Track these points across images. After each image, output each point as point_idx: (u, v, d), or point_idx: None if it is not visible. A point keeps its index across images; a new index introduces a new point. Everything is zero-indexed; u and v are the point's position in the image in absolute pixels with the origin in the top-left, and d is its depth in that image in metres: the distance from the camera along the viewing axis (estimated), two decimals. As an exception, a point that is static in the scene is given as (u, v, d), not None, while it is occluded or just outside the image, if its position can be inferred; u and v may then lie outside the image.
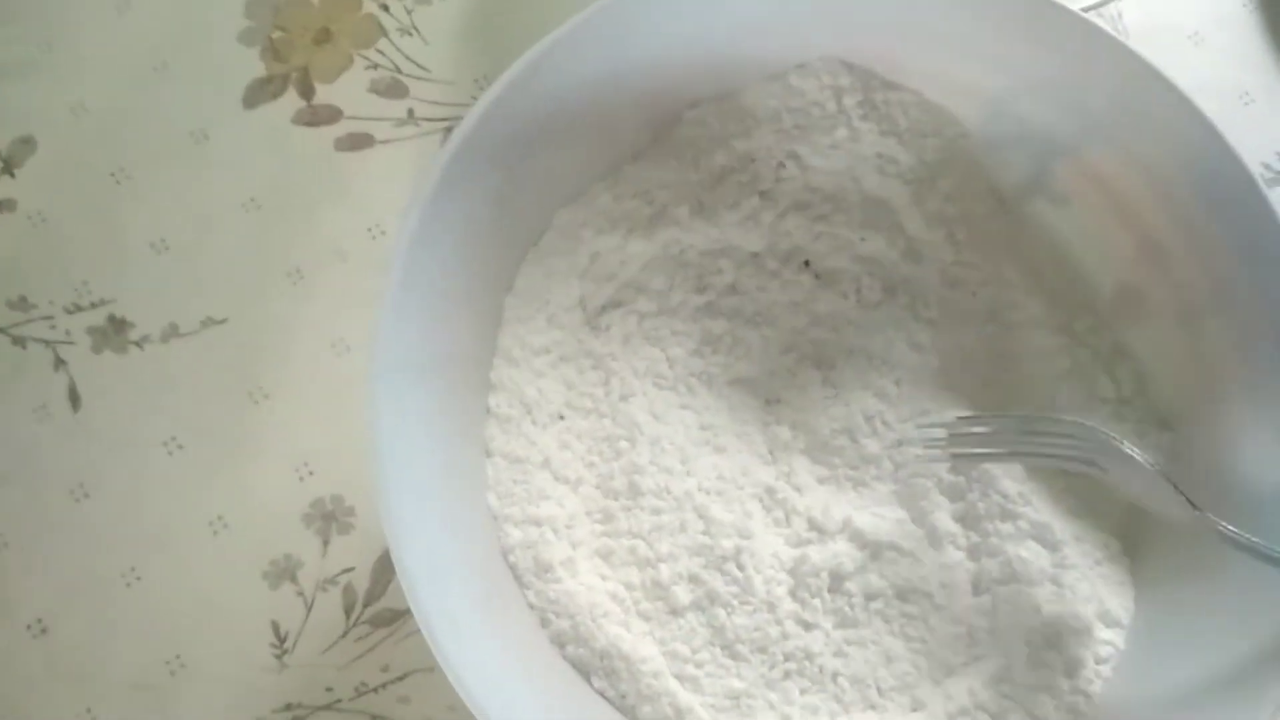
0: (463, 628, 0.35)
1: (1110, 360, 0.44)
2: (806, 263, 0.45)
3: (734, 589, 0.41)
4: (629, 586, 0.41)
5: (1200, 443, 0.42)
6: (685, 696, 0.39)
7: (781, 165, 0.44)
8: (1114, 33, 0.50)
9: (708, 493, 0.42)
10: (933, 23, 0.41)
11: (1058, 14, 0.40)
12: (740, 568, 0.41)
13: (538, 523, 0.40)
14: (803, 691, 0.40)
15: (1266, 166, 0.53)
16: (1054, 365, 0.44)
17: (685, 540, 0.41)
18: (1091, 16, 0.41)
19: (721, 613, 0.40)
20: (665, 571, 0.41)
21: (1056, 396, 0.44)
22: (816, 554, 0.41)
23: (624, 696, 0.38)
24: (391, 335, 0.36)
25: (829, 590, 0.41)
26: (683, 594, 0.40)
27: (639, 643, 0.39)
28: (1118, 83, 0.40)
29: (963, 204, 0.45)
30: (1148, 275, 0.43)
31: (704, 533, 0.41)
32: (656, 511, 0.42)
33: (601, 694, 0.39)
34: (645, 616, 0.40)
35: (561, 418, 0.43)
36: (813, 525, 0.42)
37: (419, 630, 0.44)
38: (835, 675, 0.40)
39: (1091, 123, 0.42)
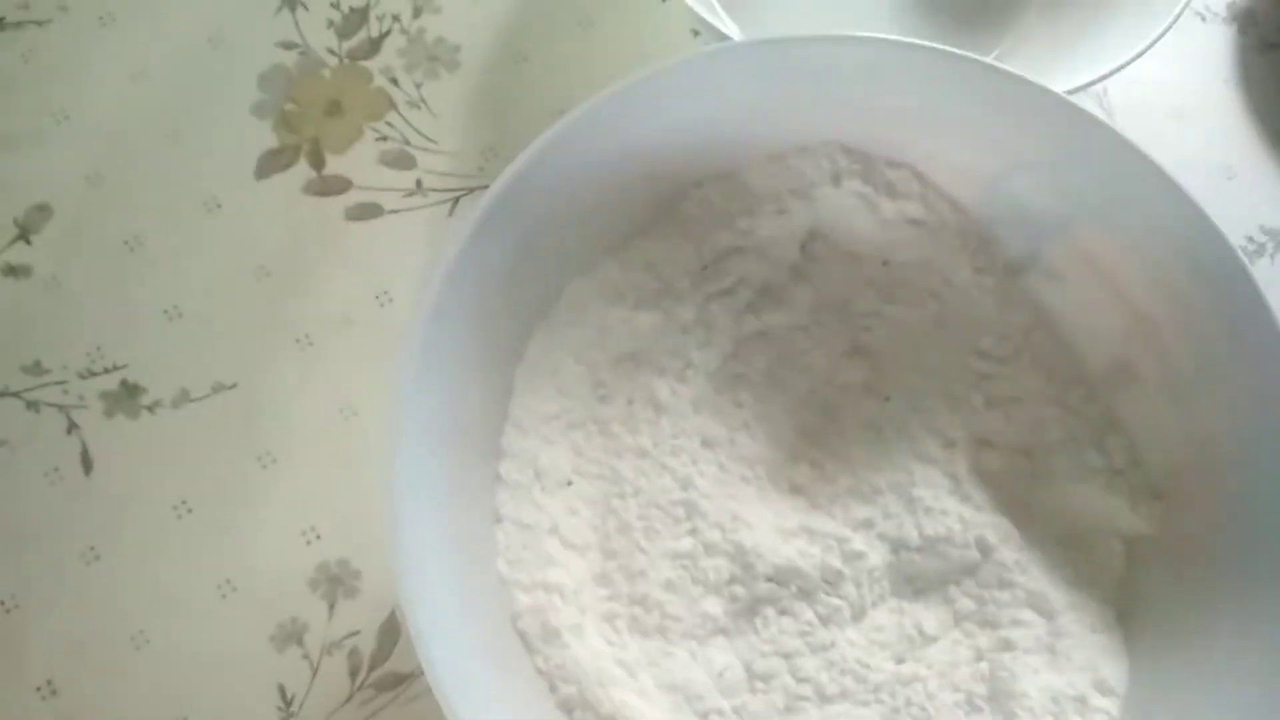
0: (473, 690, 0.35)
1: (1102, 431, 0.45)
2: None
3: None
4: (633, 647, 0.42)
5: (1193, 512, 0.43)
6: None
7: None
8: (1100, 111, 0.52)
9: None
10: (929, 107, 0.43)
11: (1045, 97, 0.41)
12: None
13: (546, 588, 0.41)
14: None
15: (1250, 240, 0.55)
16: (1048, 436, 0.46)
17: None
18: (1079, 97, 0.43)
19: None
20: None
21: (1052, 466, 0.45)
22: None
23: None
24: (410, 405, 0.37)
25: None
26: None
27: (647, 709, 0.39)
28: (1104, 162, 0.41)
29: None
30: (1138, 349, 0.44)
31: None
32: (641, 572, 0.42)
33: None
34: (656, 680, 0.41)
35: (569, 483, 0.44)
36: None
37: (425, 694, 0.45)
38: None
39: (1081, 201, 0.43)
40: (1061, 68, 0.50)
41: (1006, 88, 0.41)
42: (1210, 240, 0.40)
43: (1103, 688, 0.41)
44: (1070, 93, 0.46)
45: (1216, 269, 0.40)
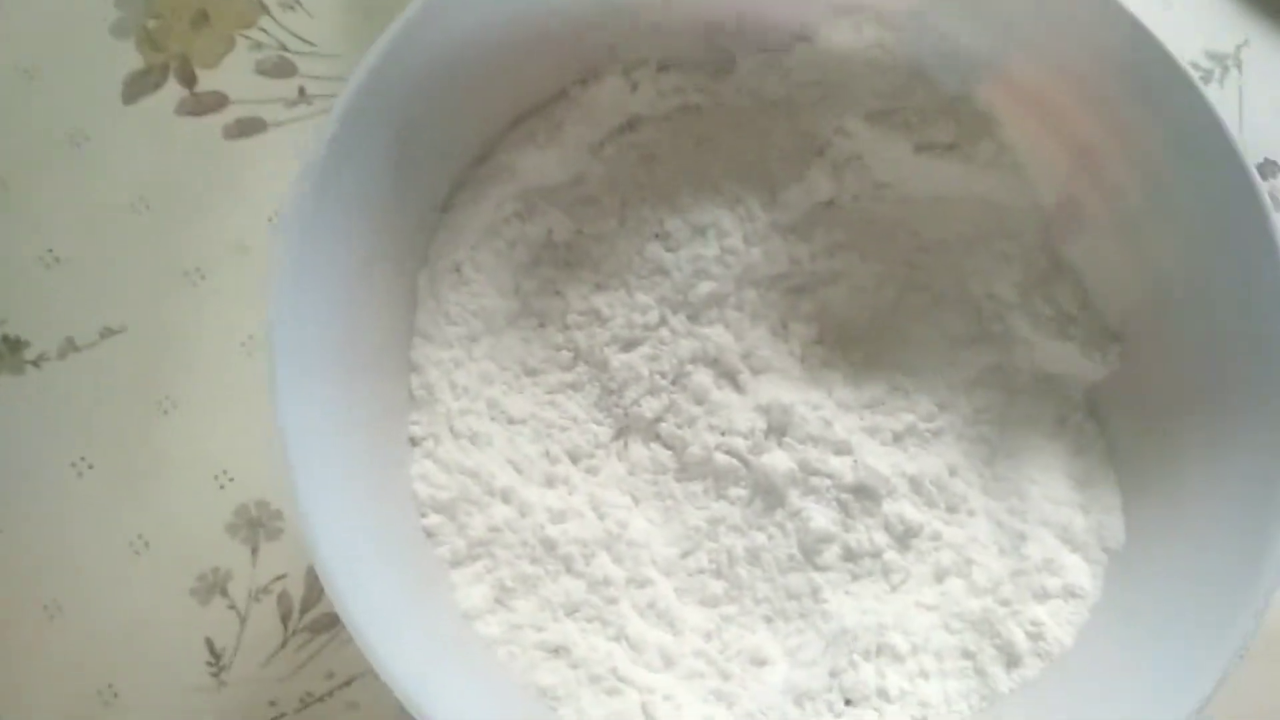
0: (394, 626, 0.33)
1: (1049, 278, 0.42)
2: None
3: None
4: None
5: (1150, 350, 0.40)
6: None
7: None
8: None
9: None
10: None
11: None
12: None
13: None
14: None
15: (1195, 65, 0.52)
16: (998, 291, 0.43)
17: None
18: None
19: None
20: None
21: (1008, 319, 0.43)
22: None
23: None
24: (285, 325, 0.33)
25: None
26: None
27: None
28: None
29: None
30: (1084, 185, 0.41)
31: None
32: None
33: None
34: None
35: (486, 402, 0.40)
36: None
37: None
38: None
39: (1010, 31, 0.40)
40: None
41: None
42: (1152, 56, 0.37)
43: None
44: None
45: (1161, 87, 0.37)
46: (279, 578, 0.43)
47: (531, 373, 0.41)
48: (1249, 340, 0.36)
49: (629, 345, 0.41)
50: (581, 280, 0.42)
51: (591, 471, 0.41)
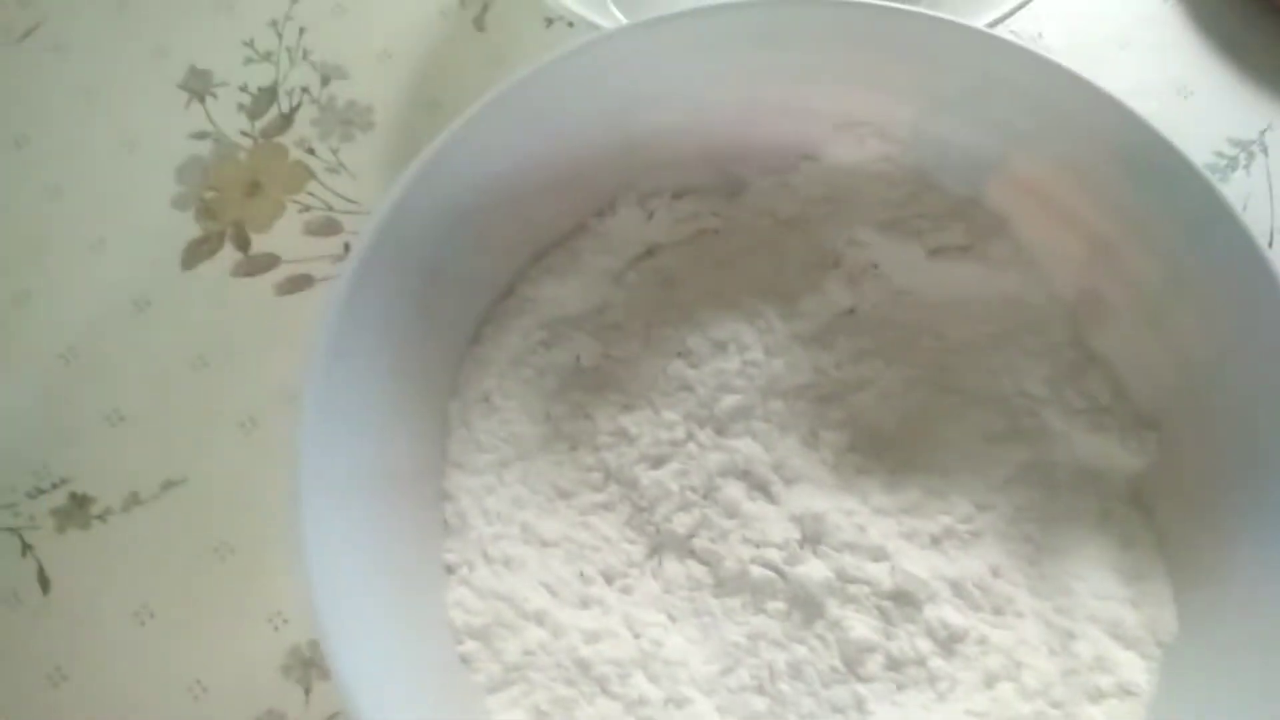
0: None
1: (1080, 370, 0.42)
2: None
3: None
4: None
5: (1188, 435, 0.40)
6: None
7: None
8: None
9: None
10: (835, 62, 0.41)
11: (953, 30, 0.39)
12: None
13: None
14: None
15: (1219, 154, 0.52)
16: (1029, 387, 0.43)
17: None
18: (1003, 31, 0.41)
19: None
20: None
21: (1041, 413, 0.42)
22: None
23: None
24: (313, 461, 0.34)
25: None
26: None
27: None
28: (1028, 87, 0.39)
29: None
30: (1101, 275, 0.41)
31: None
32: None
33: None
34: None
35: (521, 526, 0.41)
36: None
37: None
38: None
39: (1011, 132, 0.41)
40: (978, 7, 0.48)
41: (909, 26, 0.39)
42: (1153, 147, 0.38)
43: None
44: (991, 24, 0.44)
45: (1163, 174, 0.38)
46: (332, 716, 0.44)
47: (564, 495, 0.42)
48: (1280, 417, 0.35)
49: (658, 462, 0.42)
50: (610, 402, 0.43)
51: (626, 591, 0.41)
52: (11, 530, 0.47)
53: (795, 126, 0.43)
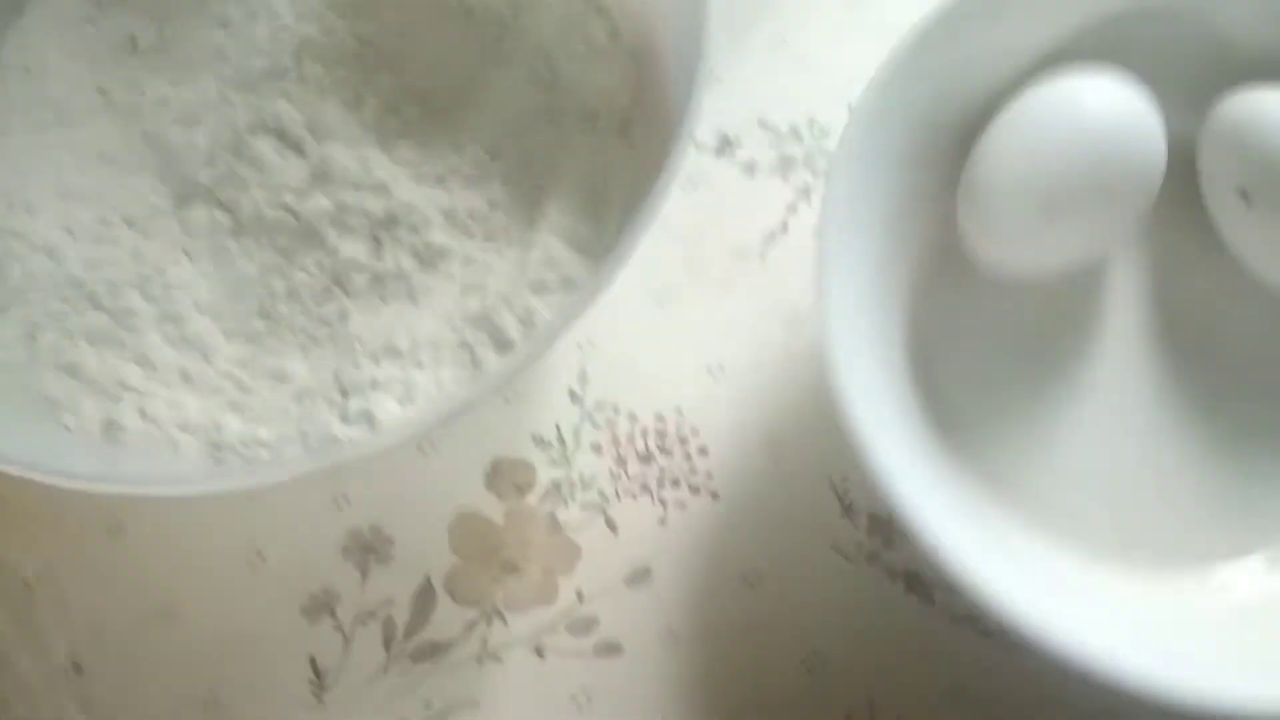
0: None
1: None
2: None
3: None
4: None
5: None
6: None
7: None
8: None
9: None
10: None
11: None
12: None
13: None
14: None
15: None
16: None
17: None
18: None
19: None
20: None
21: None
22: None
23: None
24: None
25: None
26: None
27: None
28: None
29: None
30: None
31: None
32: None
33: None
34: None
35: None
36: None
37: (464, 663, 0.43)
38: None
39: None
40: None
41: None
42: None
43: None
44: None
45: None
46: (386, 602, 0.44)
47: (107, 161, 0.45)
48: None
49: (191, 123, 0.45)
50: (158, 75, 0.47)
51: (146, 235, 0.44)
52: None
53: None
